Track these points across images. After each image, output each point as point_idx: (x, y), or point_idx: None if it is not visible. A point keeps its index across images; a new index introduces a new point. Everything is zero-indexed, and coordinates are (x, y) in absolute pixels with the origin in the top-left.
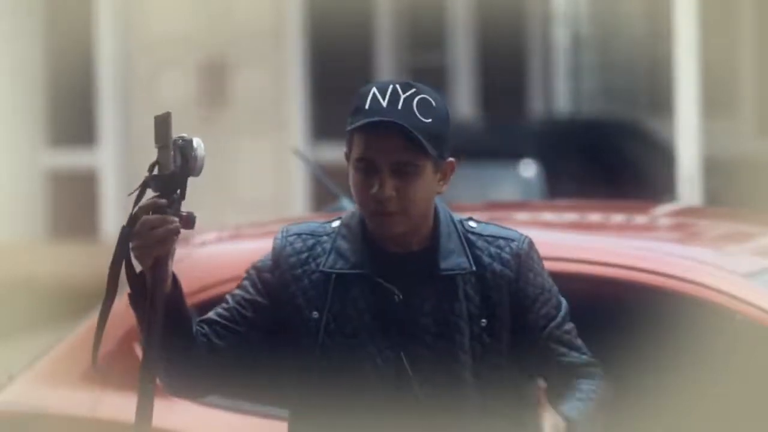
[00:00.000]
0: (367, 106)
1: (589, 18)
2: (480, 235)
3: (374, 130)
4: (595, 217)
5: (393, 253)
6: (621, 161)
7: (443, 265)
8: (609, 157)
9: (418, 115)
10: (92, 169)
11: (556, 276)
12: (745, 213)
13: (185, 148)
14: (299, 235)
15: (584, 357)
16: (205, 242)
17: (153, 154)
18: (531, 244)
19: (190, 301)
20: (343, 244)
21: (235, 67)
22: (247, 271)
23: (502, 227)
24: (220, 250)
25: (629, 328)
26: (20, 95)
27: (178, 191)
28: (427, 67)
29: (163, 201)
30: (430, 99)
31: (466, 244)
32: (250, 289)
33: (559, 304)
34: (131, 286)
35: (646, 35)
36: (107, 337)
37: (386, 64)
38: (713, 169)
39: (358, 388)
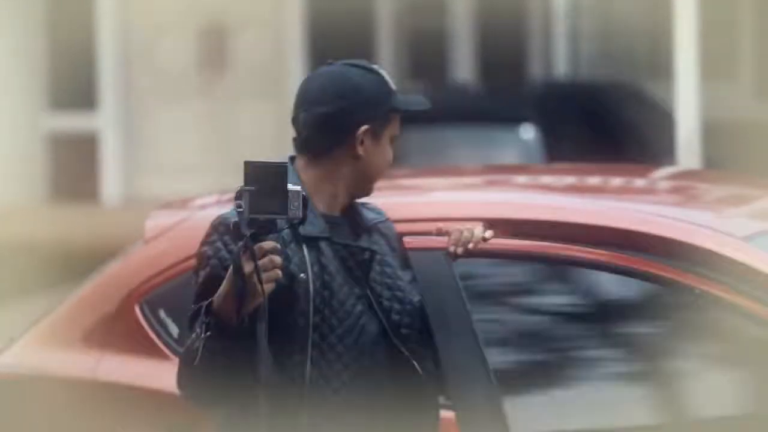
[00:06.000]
0: (395, 88)
1: None
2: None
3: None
4: (594, 180)
5: (333, 216)
6: (620, 125)
7: (370, 216)
8: (608, 121)
9: None
10: (92, 132)
11: (554, 239)
12: (744, 176)
13: (307, 200)
14: None
15: None
16: (205, 205)
17: (152, 117)
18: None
19: (189, 264)
20: (309, 213)
21: (235, 30)
22: None
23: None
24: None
25: (627, 290)
26: (21, 59)
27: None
28: (426, 31)
29: (278, 246)
30: None
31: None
32: None
33: None
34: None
35: None
36: (107, 299)
37: (386, 27)
38: (712, 132)
39: (349, 342)
